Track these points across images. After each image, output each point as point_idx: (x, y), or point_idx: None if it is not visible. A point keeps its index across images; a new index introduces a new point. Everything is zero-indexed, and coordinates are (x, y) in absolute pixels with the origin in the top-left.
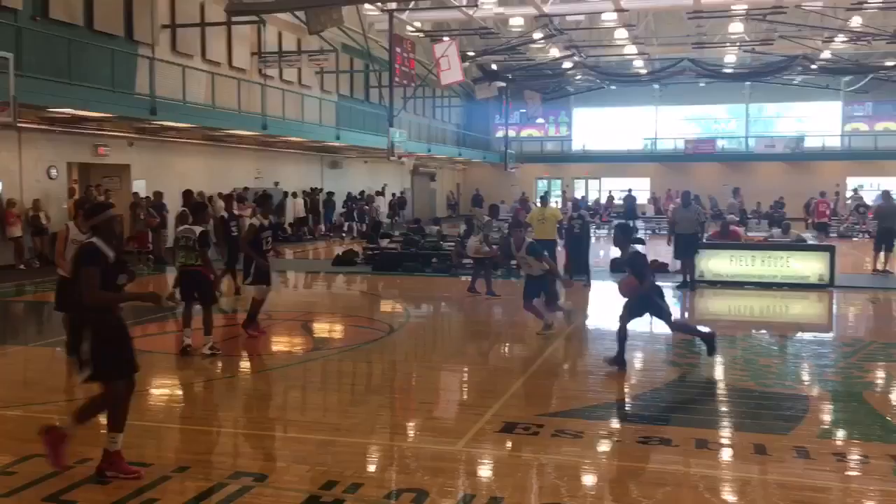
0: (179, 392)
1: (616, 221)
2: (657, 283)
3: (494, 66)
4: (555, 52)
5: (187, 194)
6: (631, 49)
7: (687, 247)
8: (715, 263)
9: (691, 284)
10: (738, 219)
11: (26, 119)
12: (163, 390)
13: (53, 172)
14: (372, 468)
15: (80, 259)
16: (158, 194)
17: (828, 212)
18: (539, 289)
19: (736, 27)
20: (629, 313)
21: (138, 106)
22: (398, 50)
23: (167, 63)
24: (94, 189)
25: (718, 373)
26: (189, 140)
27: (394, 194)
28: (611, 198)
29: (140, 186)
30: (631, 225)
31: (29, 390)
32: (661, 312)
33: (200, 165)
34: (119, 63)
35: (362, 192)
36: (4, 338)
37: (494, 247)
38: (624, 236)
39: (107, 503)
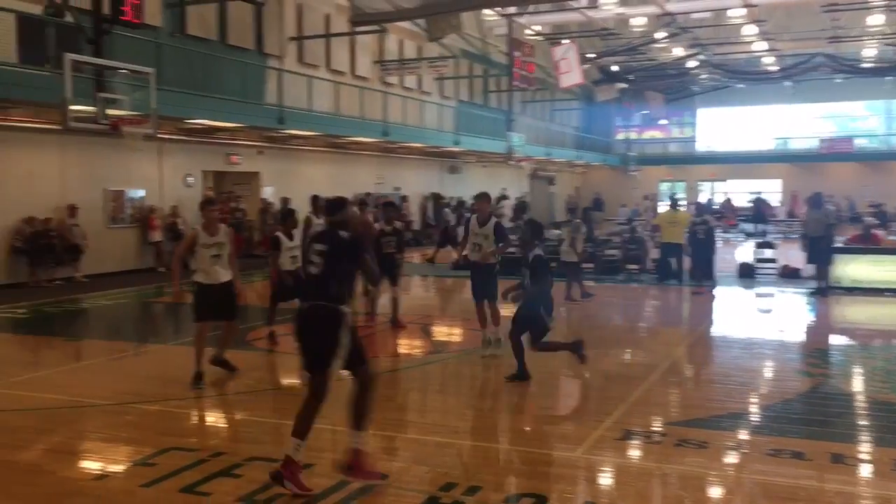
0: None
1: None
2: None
3: (615, 68)
4: (678, 52)
5: (314, 199)
6: (760, 45)
7: (817, 250)
8: (853, 269)
9: (823, 290)
10: (878, 221)
11: (166, 130)
12: (291, 389)
13: (190, 180)
14: (490, 472)
15: (363, 247)
16: (285, 200)
17: None
18: (488, 284)
19: (875, 19)
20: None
21: (267, 115)
22: (517, 54)
23: (294, 74)
24: (227, 195)
25: (856, 384)
26: (314, 147)
27: (516, 198)
28: (727, 200)
29: (269, 193)
30: (540, 224)
31: (168, 387)
32: (536, 327)
33: (325, 172)
34: (250, 75)
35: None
36: (146, 336)
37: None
38: (532, 235)
39: (238, 495)
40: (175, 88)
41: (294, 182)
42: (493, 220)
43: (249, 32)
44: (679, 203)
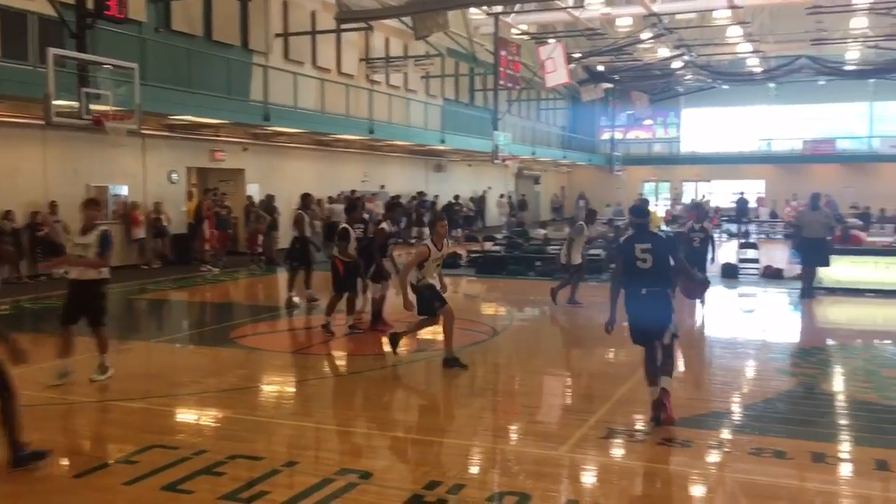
0: (289, 389)
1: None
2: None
3: (601, 68)
4: (664, 52)
5: (305, 196)
6: (745, 47)
7: (816, 252)
8: (835, 269)
9: (809, 292)
10: (861, 223)
11: (149, 126)
12: (273, 387)
13: (174, 176)
14: (474, 470)
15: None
16: (270, 197)
17: None
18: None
19: (859, 22)
20: None
21: (252, 112)
22: (503, 53)
23: (280, 70)
24: (211, 192)
25: (837, 384)
26: (299, 145)
27: (510, 196)
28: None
29: (253, 190)
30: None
31: (150, 384)
32: None
33: (310, 169)
34: (235, 71)
35: (457, 197)
36: (128, 333)
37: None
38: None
39: (221, 494)
40: (159, 84)
41: (279, 179)
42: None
43: (235, 28)
44: (649, 203)
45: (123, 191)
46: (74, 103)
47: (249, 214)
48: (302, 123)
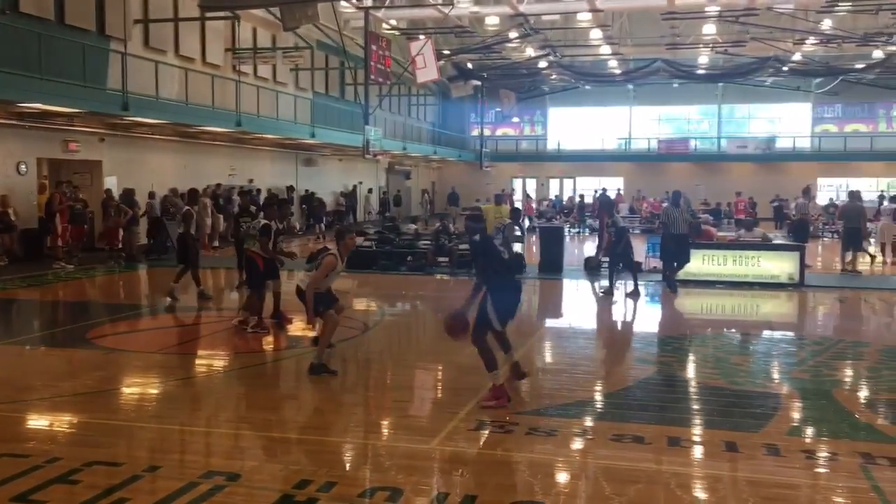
0: (152, 391)
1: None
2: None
3: (470, 65)
4: (530, 52)
5: (192, 192)
6: (605, 49)
7: (681, 248)
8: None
9: (672, 284)
10: (711, 218)
11: None
12: (134, 389)
13: (23, 168)
14: (346, 467)
15: None
16: (129, 191)
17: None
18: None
19: (709, 28)
20: None
21: (110, 101)
22: (374, 48)
23: (140, 58)
24: (64, 185)
25: (690, 371)
26: (162, 136)
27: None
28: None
29: (112, 183)
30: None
31: None
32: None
33: (173, 162)
34: (90, 58)
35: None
36: None
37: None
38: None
39: (75, 503)
40: (5, 69)
41: (140, 172)
42: None
43: (90, 13)
44: (502, 200)
45: None
46: None
47: (108, 209)
48: (164, 114)
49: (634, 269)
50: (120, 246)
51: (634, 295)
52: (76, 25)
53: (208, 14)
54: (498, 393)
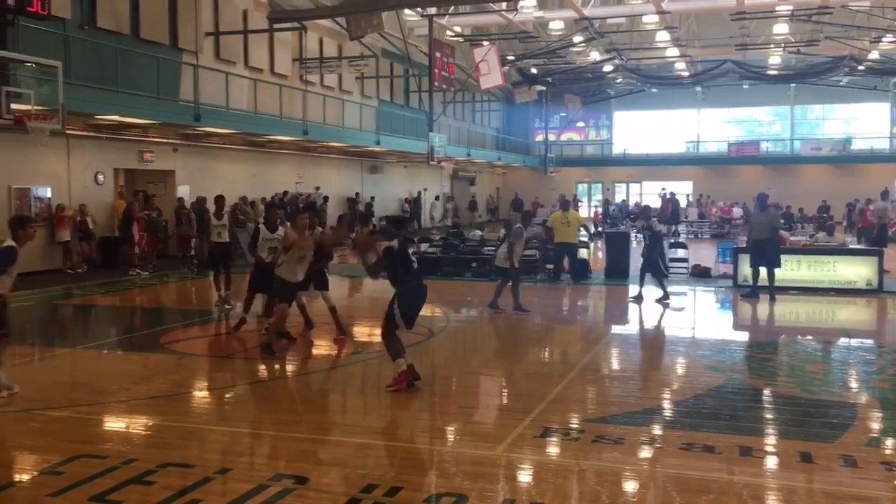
0: (223, 394)
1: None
2: None
3: (534, 70)
4: (595, 56)
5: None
6: (673, 51)
7: (760, 253)
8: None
9: (754, 292)
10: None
11: (74, 126)
12: (205, 392)
13: (101, 178)
14: (411, 472)
15: None
16: (201, 199)
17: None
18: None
19: (781, 28)
20: None
21: (183, 112)
22: (438, 55)
23: (211, 70)
24: (140, 194)
25: (763, 379)
26: (232, 146)
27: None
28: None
29: (184, 192)
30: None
31: (76, 392)
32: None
33: (243, 170)
34: (164, 70)
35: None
36: (53, 340)
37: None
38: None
39: (150, 503)
40: (84, 83)
41: (211, 180)
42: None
43: (164, 27)
44: (570, 205)
45: (47, 192)
46: None
47: (181, 217)
48: (234, 124)
49: (662, 275)
50: (192, 253)
51: (664, 300)
52: (151, 39)
53: (276, 26)
54: (400, 380)
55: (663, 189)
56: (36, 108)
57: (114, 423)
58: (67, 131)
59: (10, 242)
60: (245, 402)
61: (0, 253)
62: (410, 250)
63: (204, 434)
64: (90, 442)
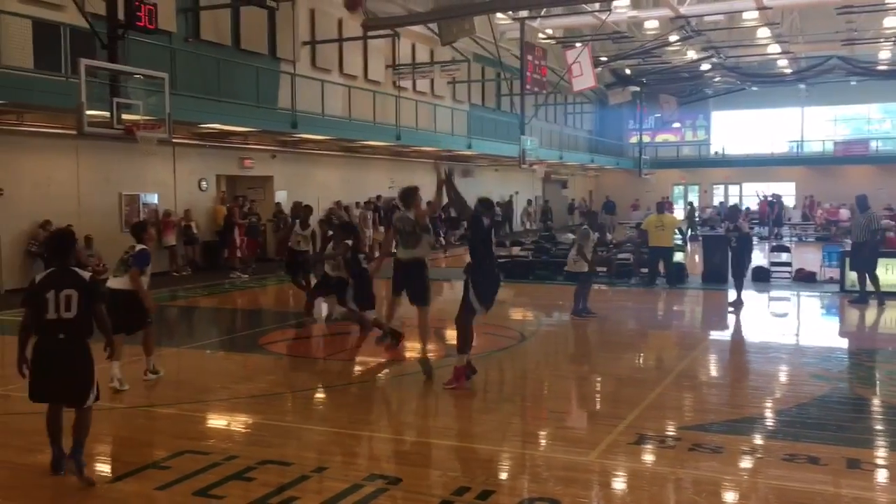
0: (318, 395)
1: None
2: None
3: (628, 71)
4: (692, 54)
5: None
6: (774, 48)
7: (855, 256)
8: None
9: (863, 297)
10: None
11: (180, 134)
12: (303, 392)
13: (204, 184)
14: (504, 475)
15: None
16: (297, 204)
17: None
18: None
19: (891, 21)
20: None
21: (280, 120)
22: (529, 57)
23: (307, 78)
24: (240, 199)
25: (872, 388)
26: (327, 151)
27: (536, 199)
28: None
29: (282, 197)
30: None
31: (181, 389)
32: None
33: (337, 175)
34: (263, 79)
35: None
36: (159, 340)
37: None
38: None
39: (252, 499)
40: (189, 93)
41: (307, 186)
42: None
43: (263, 37)
44: (664, 208)
45: (154, 199)
46: (106, 113)
47: (279, 221)
48: (329, 130)
49: (741, 279)
50: None
51: (737, 304)
52: (251, 50)
53: (370, 33)
54: (458, 374)
55: (763, 193)
56: (144, 118)
57: (216, 421)
58: (173, 140)
59: (142, 246)
60: (340, 403)
61: (138, 255)
62: (492, 231)
63: (301, 433)
64: (194, 438)
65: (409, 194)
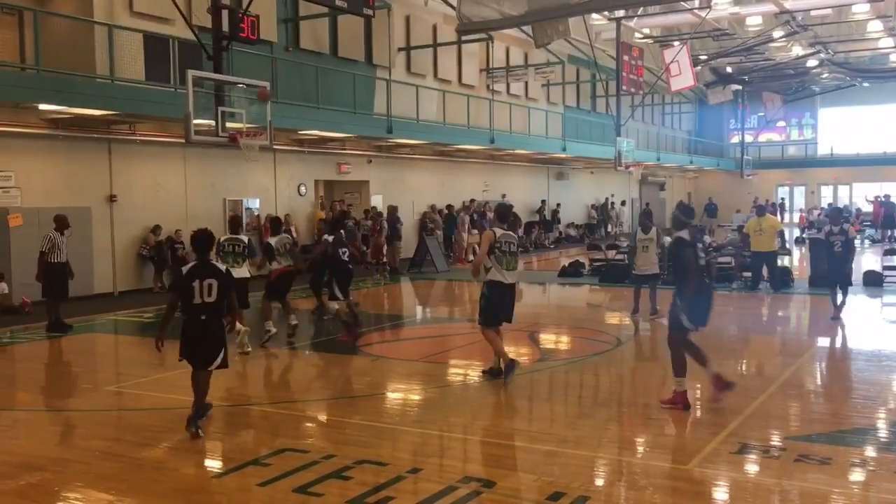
0: (414, 397)
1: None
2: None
3: (729, 69)
4: (797, 50)
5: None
6: (887, 42)
7: None
8: None
9: None
10: None
11: (280, 141)
12: (398, 394)
13: (303, 189)
14: (600, 482)
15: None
16: (393, 208)
17: None
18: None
19: None
20: None
21: (376, 125)
22: (625, 58)
23: (402, 84)
24: (338, 203)
25: None
26: (421, 156)
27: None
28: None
29: (377, 201)
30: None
31: (281, 389)
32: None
33: (432, 179)
34: (360, 86)
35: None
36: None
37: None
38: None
39: (349, 498)
40: (289, 101)
41: (402, 190)
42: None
43: (359, 45)
44: (765, 210)
45: (256, 204)
46: (211, 122)
47: (375, 225)
48: (424, 135)
49: (846, 286)
50: (384, 259)
51: (837, 313)
52: (348, 57)
53: (464, 38)
54: (676, 399)
55: (877, 196)
56: (247, 125)
57: (315, 420)
58: (274, 147)
59: (267, 240)
60: (435, 405)
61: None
62: (699, 245)
63: (396, 434)
64: (294, 437)
65: (508, 211)
